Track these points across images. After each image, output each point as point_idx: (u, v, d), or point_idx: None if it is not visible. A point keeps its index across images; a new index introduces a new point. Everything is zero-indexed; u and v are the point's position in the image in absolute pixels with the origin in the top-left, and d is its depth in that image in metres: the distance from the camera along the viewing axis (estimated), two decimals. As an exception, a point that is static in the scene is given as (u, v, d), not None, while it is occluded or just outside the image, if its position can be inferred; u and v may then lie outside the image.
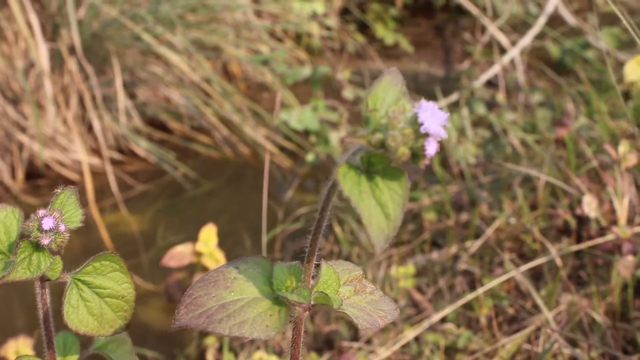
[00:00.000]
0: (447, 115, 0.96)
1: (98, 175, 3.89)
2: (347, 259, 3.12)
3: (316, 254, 1.15)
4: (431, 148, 0.97)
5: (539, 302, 2.43)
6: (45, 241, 1.18)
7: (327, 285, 1.15)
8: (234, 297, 1.12)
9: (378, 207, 0.99)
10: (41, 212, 1.20)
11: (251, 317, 1.10)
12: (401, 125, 0.97)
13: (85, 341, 1.40)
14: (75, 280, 1.25)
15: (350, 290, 1.18)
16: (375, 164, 1.00)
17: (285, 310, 1.12)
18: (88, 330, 1.24)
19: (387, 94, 1.04)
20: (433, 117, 0.95)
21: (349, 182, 0.98)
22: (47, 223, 1.18)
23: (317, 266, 1.18)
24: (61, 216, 1.20)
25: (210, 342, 2.74)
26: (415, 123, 0.97)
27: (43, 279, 1.25)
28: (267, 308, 1.11)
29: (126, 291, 1.28)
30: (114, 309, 1.27)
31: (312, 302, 1.13)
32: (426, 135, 0.97)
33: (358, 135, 0.97)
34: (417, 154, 0.98)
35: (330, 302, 1.11)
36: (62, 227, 1.20)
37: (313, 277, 1.17)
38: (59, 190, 1.23)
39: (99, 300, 1.26)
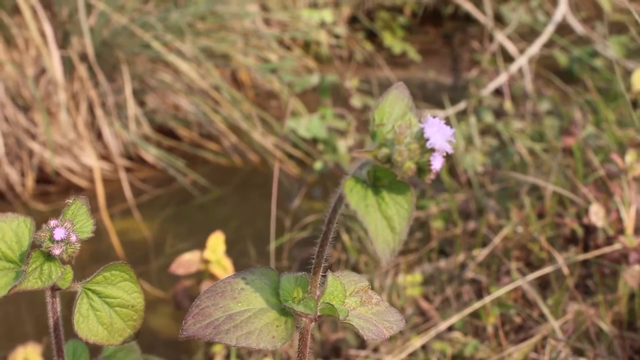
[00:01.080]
0: (453, 130, 0.98)
1: (107, 182, 3.91)
2: (355, 267, 3.13)
3: (323, 264, 1.16)
4: (437, 163, 0.98)
5: (545, 311, 2.44)
6: (56, 251, 1.20)
7: (334, 296, 1.16)
8: (241, 308, 1.13)
9: (384, 220, 1.00)
10: (53, 222, 1.21)
11: (258, 328, 1.11)
12: (407, 140, 0.98)
13: (94, 349, 1.42)
14: (85, 290, 1.27)
15: (356, 301, 1.20)
16: (381, 178, 1.01)
17: (291, 321, 1.14)
18: (98, 340, 1.26)
19: (394, 109, 1.05)
20: (439, 132, 0.96)
21: (355, 196, 1.00)
22: (59, 233, 1.20)
23: (324, 277, 1.19)
24: (72, 227, 1.22)
25: (218, 349, 2.75)
26: (421, 138, 0.98)
27: (54, 289, 1.26)
28: (273, 319, 1.13)
29: (136, 301, 1.29)
30: (124, 319, 1.29)
31: (318, 313, 1.14)
32: (432, 150, 0.98)
33: (365, 149, 0.99)
34: (423, 169, 1.00)
35: (336, 313, 1.12)
36: (73, 238, 1.22)
37: (319, 288, 1.18)
38: (71, 201, 1.25)
39: (108, 309, 1.28)
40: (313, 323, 1.17)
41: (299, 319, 1.16)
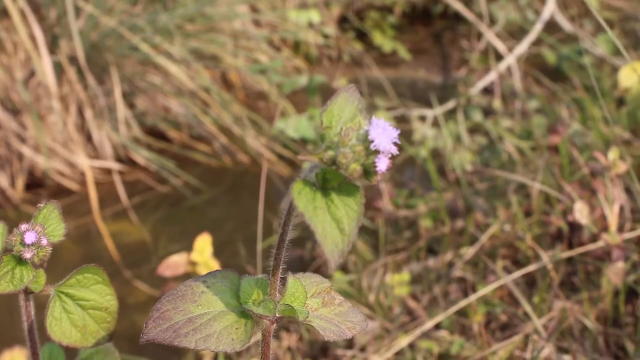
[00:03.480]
0: (398, 132, 0.99)
1: (97, 185, 3.91)
2: (343, 267, 3.13)
3: (281, 267, 1.17)
4: (382, 164, 0.99)
5: (528, 309, 2.45)
6: (27, 255, 1.21)
7: (294, 297, 1.17)
8: (201, 311, 1.14)
9: (333, 222, 1.01)
10: (24, 226, 1.22)
11: (217, 331, 1.12)
12: (352, 142, 0.99)
13: (71, 353, 1.43)
14: (58, 293, 1.28)
15: (318, 302, 1.20)
16: (330, 180, 1.02)
17: (250, 323, 1.15)
18: (71, 342, 1.26)
19: (344, 111, 1.06)
20: (384, 134, 0.97)
21: (303, 199, 1.01)
22: (30, 237, 1.21)
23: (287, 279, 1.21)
24: (43, 230, 1.23)
25: (206, 351, 2.76)
26: (366, 140, 0.99)
27: (27, 292, 1.27)
28: (233, 321, 1.14)
29: (109, 303, 1.30)
30: (97, 321, 1.30)
31: (277, 315, 1.15)
32: (377, 152, 0.99)
33: (310, 152, 0.99)
34: (368, 171, 1.01)
35: (295, 315, 1.13)
36: (44, 241, 1.22)
37: (281, 290, 1.19)
38: (42, 205, 1.26)
39: (82, 312, 1.28)
40: (274, 325, 1.18)
41: (260, 321, 1.17)
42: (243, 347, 1.10)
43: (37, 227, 1.22)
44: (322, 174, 1.02)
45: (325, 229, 1.00)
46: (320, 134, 1.01)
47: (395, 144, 0.98)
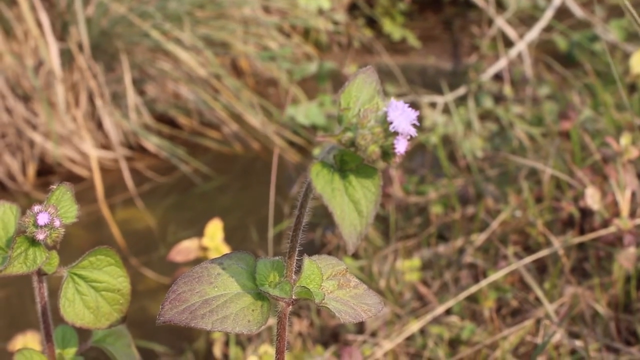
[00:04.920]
0: (417, 113, 0.98)
1: (109, 171, 3.92)
2: (354, 253, 3.14)
3: (297, 249, 1.17)
4: (401, 146, 0.99)
5: (540, 294, 2.44)
6: (40, 236, 1.21)
7: (310, 280, 1.17)
8: (217, 293, 1.14)
9: (351, 204, 1.01)
10: (36, 207, 1.22)
11: (233, 313, 1.12)
12: (371, 124, 0.99)
13: (84, 334, 1.43)
14: (71, 275, 1.28)
15: (333, 285, 1.20)
16: (348, 162, 1.01)
17: (267, 305, 1.14)
18: (84, 324, 1.27)
19: (361, 93, 1.05)
20: (402, 115, 0.97)
21: (321, 180, 1.00)
22: (42, 219, 1.21)
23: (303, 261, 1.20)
24: (56, 212, 1.23)
25: (217, 336, 2.77)
26: (385, 122, 0.98)
27: (40, 274, 1.28)
28: (249, 303, 1.13)
29: (122, 285, 1.30)
30: (110, 302, 1.30)
31: (294, 297, 1.15)
32: (396, 133, 0.98)
33: (329, 134, 0.99)
34: (387, 152, 1.00)
35: (312, 297, 1.13)
36: (57, 223, 1.23)
37: (298, 273, 1.19)
38: (54, 187, 1.26)
39: (95, 293, 1.29)
40: (290, 307, 1.17)
41: (277, 303, 1.16)
42: (259, 329, 1.10)
43: (50, 208, 1.22)
44: (340, 156, 1.01)
45: (344, 211, 1.00)
46: (338, 115, 1.00)
47: (414, 125, 0.98)
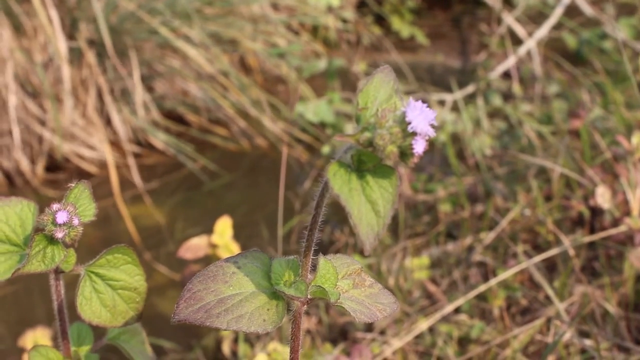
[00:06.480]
0: (435, 113, 0.98)
1: (116, 168, 3.93)
2: (362, 251, 3.14)
3: (313, 248, 1.17)
4: (419, 147, 0.98)
5: (550, 293, 2.44)
6: (59, 234, 1.21)
7: (325, 279, 1.17)
8: (232, 292, 1.14)
9: (368, 204, 1.00)
10: (55, 206, 1.23)
11: (249, 312, 1.12)
12: (389, 124, 0.99)
13: (99, 332, 1.43)
14: (88, 273, 1.29)
15: (349, 284, 1.20)
16: (365, 162, 1.01)
17: (282, 305, 1.14)
18: (101, 322, 1.27)
19: (379, 92, 1.05)
20: (421, 116, 0.97)
21: (339, 180, 1.00)
22: (61, 217, 1.21)
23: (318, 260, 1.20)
24: (75, 210, 1.23)
25: (226, 333, 2.77)
26: (403, 122, 0.98)
27: (57, 272, 1.28)
28: (264, 302, 1.13)
29: (138, 283, 1.31)
30: (126, 301, 1.30)
31: (309, 296, 1.15)
32: (414, 134, 0.98)
33: (347, 133, 0.99)
34: (405, 153, 1.00)
35: (327, 296, 1.13)
36: (75, 221, 1.23)
37: (312, 272, 1.18)
38: (73, 185, 1.26)
39: (111, 292, 1.29)
40: (305, 306, 1.17)
41: (292, 302, 1.16)
42: (274, 328, 1.10)
43: (69, 206, 1.22)
44: (357, 156, 1.01)
45: (361, 211, 0.99)
46: (355, 115, 1.00)
47: (432, 125, 0.98)
